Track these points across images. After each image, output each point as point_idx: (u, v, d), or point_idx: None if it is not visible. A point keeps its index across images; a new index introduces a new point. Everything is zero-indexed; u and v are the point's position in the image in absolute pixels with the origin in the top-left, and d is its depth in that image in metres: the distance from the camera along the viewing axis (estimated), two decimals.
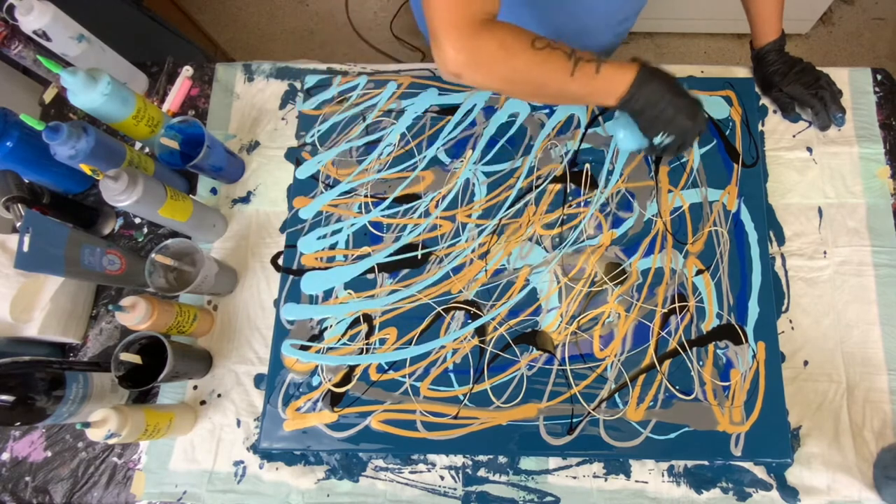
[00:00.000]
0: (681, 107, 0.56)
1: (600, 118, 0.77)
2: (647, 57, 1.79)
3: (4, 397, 0.54)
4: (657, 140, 0.58)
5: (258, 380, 0.70)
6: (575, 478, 0.65)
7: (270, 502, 0.66)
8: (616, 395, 0.65)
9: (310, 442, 0.66)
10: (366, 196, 0.75)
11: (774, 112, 0.78)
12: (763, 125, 0.78)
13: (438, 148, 0.77)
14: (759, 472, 0.64)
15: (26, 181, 0.70)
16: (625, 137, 0.62)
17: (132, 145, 0.79)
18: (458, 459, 0.66)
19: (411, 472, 0.66)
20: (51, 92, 0.84)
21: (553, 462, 0.65)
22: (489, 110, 0.78)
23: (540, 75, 0.52)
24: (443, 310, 0.69)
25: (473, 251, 0.72)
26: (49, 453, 0.69)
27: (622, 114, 0.60)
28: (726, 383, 0.65)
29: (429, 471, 0.66)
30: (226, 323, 0.73)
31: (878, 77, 0.79)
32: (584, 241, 0.72)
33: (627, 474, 0.65)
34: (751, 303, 0.68)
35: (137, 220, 0.78)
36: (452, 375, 0.67)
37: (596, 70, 0.53)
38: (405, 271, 0.72)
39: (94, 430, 0.55)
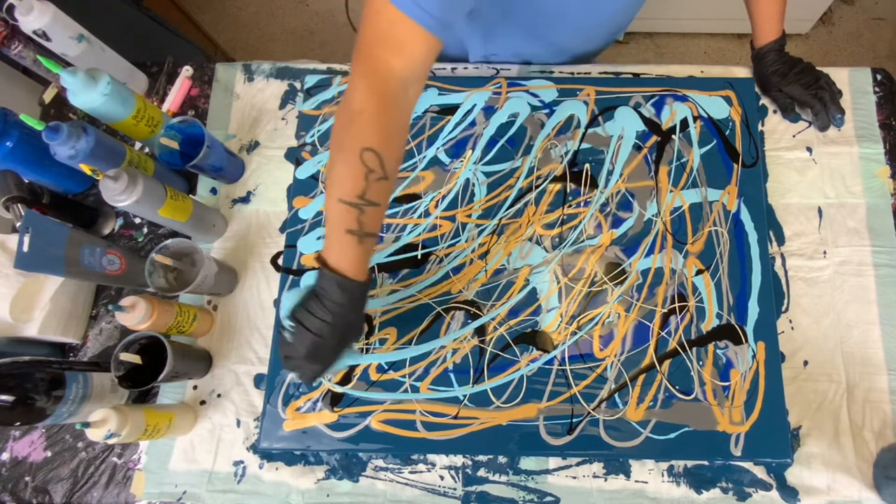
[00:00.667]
0: (328, 345, 0.50)
1: (600, 118, 0.77)
2: (646, 56, 1.79)
3: (4, 397, 0.54)
4: (287, 323, 0.50)
5: (258, 380, 0.70)
6: (575, 478, 0.65)
7: (270, 502, 0.66)
8: (616, 395, 0.65)
9: (310, 442, 0.66)
10: None
11: (774, 112, 0.78)
12: (763, 125, 0.78)
13: (438, 148, 0.77)
14: (759, 472, 0.64)
15: (26, 181, 0.70)
16: (286, 299, 0.54)
17: (132, 145, 0.79)
18: (458, 459, 0.66)
19: (411, 472, 0.66)
20: (51, 92, 0.84)
21: (553, 462, 0.65)
22: (489, 110, 0.78)
23: (331, 163, 0.49)
24: (443, 310, 0.69)
25: (473, 251, 0.72)
26: (49, 453, 0.69)
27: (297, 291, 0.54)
28: (726, 383, 0.65)
29: (429, 471, 0.66)
30: (226, 323, 0.73)
31: (878, 77, 0.79)
32: (583, 241, 0.72)
33: (627, 474, 0.65)
34: (751, 303, 0.68)
35: (137, 220, 0.78)
36: (452, 375, 0.67)
37: (348, 230, 0.48)
38: (405, 271, 0.72)
39: (94, 430, 0.55)
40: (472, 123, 0.78)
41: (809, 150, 0.76)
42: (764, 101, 0.79)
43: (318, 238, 0.74)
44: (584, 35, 0.77)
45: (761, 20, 0.73)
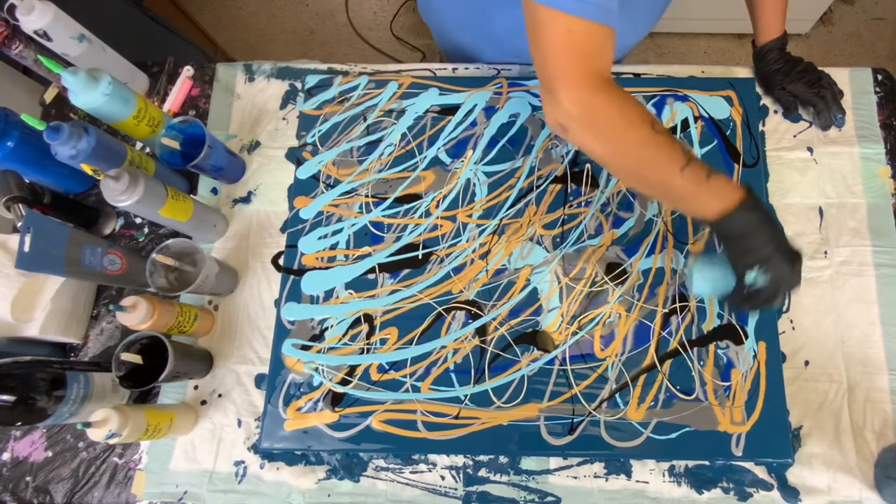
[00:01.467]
0: (782, 247, 0.51)
1: None
2: (646, 56, 1.79)
3: (5, 397, 0.54)
4: (749, 278, 0.52)
5: (259, 380, 0.70)
6: (576, 478, 0.65)
7: (271, 502, 0.66)
8: (617, 396, 0.65)
9: (310, 442, 0.66)
10: (366, 196, 0.76)
11: (775, 112, 0.78)
12: (764, 125, 0.78)
13: (439, 148, 0.77)
14: (760, 472, 0.64)
15: (27, 181, 0.70)
16: (707, 278, 0.57)
17: (133, 145, 0.79)
18: (459, 459, 0.66)
19: (412, 472, 0.66)
20: (51, 92, 0.84)
21: (554, 462, 0.65)
22: (490, 110, 0.78)
23: (650, 157, 0.50)
24: (444, 310, 0.69)
25: (474, 251, 0.72)
26: (50, 453, 0.69)
27: (703, 258, 0.57)
28: (727, 383, 0.65)
29: (429, 471, 0.66)
30: (226, 323, 0.73)
31: (879, 77, 0.79)
32: (584, 241, 0.72)
33: (628, 474, 0.65)
34: None
35: (138, 220, 0.78)
36: (453, 375, 0.67)
37: (706, 175, 0.50)
38: (406, 271, 0.72)
39: (95, 430, 0.55)
40: (473, 123, 0.78)
41: (810, 150, 0.76)
42: (765, 100, 0.79)
43: (319, 238, 0.74)
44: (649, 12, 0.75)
45: (763, 18, 0.73)
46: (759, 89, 0.78)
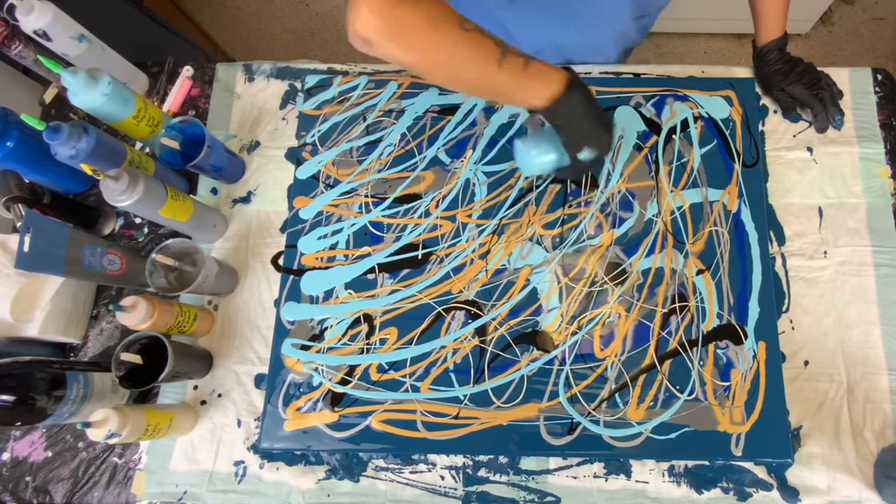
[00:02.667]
0: (603, 120, 0.54)
1: None
2: (646, 56, 1.79)
3: (5, 397, 0.54)
4: (583, 155, 0.54)
5: (259, 380, 0.70)
6: (575, 478, 0.65)
7: (271, 502, 0.66)
8: (616, 395, 0.65)
9: (310, 442, 0.66)
10: (366, 196, 0.76)
11: (775, 112, 0.78)
12: (763, 125, 0.78)
13: (439, 148, 0.77)
14: (760, 472, 0.64)
15: (27, 181, 0.70)
16: (538, 156, 0.58)
17: (133, 145, 0.79)
18: (459, 459, 0.66)
19: (412, 472, 0.66)
20: (51, 92, 0.84)
21: (553, 462, 0.65)
22: (490, 110, 0.78)
23: (465, 57, 0.48)
24: (443, 310, 0.69)
25: (474, 251, 0.72)
26: (49, 453, 0.69)
27: (532, 135, 0.57)
28: (727, 383, 0.65)
29: (429, 471, 0.66)
30: (226, 323, 0.73)
31: (879, 77, 0.79)
32: (584, 241, 0.72)
33: (628, 474, 0.65)
34: (751, 303, 0.68)
35: (138, 220, 0.78)
36: (453, 375, 0.67)
37: (524, 65, 0.49)
38: (406, 271, 0.72)
39: (95, 430, 0.55)
40: (473, 123, 0.78)
41: (810, 150, 0.76)
42: (765, 100, 0.79)
43: (319, 238, 0.74)
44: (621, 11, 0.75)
45: (764, 18, 0.73)
46: (758, 89, 0.78)
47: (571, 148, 0.54)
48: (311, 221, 0.75)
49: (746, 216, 0.71)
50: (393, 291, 0.71)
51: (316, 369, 0.68)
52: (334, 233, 0.74)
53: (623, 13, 0.75)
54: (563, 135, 0.54)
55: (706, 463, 0.64)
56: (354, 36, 0.46)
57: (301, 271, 0.73)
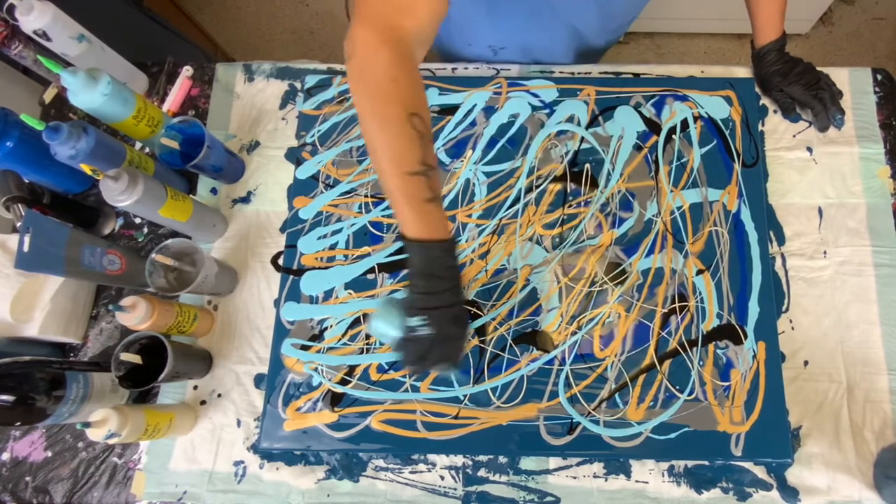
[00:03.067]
0: (454, 308, 0.49)
1: (600, 118, 0.77)
2: (646, 56, 1.78)
3: (5, 397, 0.54)
4: (413, 321, 0.49)
5: (258, 380, 0.70)
6: (575, 478, 0.65)
7: (271, 502, 0.66)
8: (616, 395, 0.65)
9: (310, 442, 0.66)
10: (366, 196, 0.75)
11: (775, 112, 0.78)
12: (763, 125, 0.78)
13: (439, 148, 0.77)
14: (760, 472, 0.64)
15: (26, 181, 0.70)
16: (382, 319, 0.52)
17: (132, 145, 0.79)
18: (459, 459, 0.66)
19: (411, 472, 0.66)
20: (51, 92, 0.84)
21: (553, 462, 0.65)
22: (489, 110, 0.78)
23: (387, 141, 0.47)
24: None
25: (474, 251, 0.72)
26: (49, 453, 0.69)
27: (386, 301, 0.53)
28: (726, 383, 0.65)
29: (429, 471, 0.66)
30: (226, 323, 0.73)
31: (879, 77, 0.79)
32: (584, 241, 0.72)
33: (628, 474, 0.65)
34: (751, 303, 0.68)
35: (138, 220, 0.78)
36: (452, 375, 0.67)
37: (426, 199, 0.47)
38: (405, 271, 0.72)
39: (95, 430, 0.55)
40: (473, 123, 0.78)
41: (810, 150, 0.76)
42: (764, 100, 0.79)
43: (319, 238, 0.74)
44: (594, 14, 0.75)
45: (762, 20, 0.73)
46: (757, 90, 0.78)
47: (407, 306, 0.50)
48: (311, 221, 0.75)
49: (746, 216, 0.71)
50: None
51: (316, 369, 0.68)
52: (334, 233, 0.74)
53: (591, 20, 0.75)
54: (409, 286, 0.50)
55: (706, 463, 0.64)
56: (345, 44, 0.47)
57: (301, 271, 0.73)
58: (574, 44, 0.80)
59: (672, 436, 0.63)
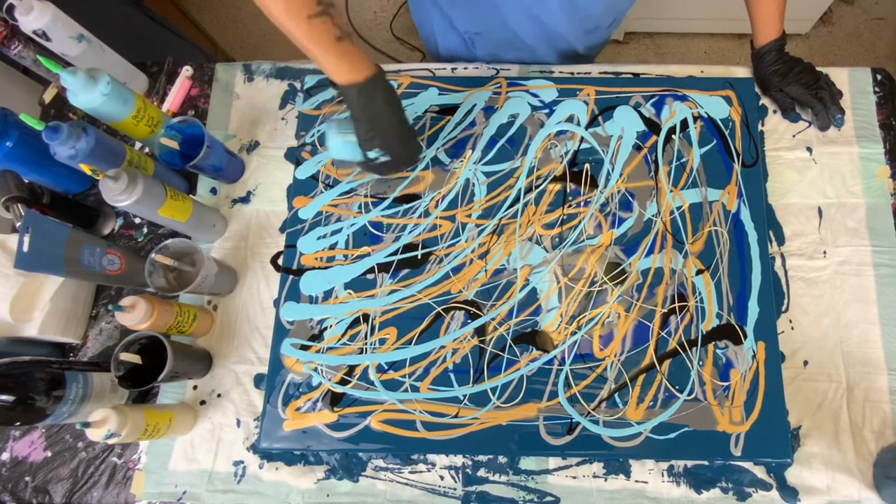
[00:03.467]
0: (399, 128, 0.53)
1: (600, 118, 0.77)
2: (646, 56, 1.78)
3: (4, 397, 0.54)
4: (371, 154, 0.54)
5: (258, 380, 0.70)
6: (575, 478, 0.65)
7: (270, 502, 0.66)
8: (616, 395, 0.65)
9: (310, 442, 0.66)
10: (365, 196, 0.75)
11: (774, 112, 0.78)
12: (763, 125, 0.78)
13: (438, 148, 0.77)
14: (759, 471, 0.64)
15: (26, 181, 0.70)
16: (340, 145, 0.58)
17: (132, 145, 0.79)
18: (458, 459, 0.66)
19: (411, 472, 0.66)
20: (51, 92, 0.84)
21: (553, 462, 0.65)
22: (489, 110, 0.78)
23: (293, 7, 0.46)
24: (443, 310, 0.69)
25: (473, 251, 0.72)
26: (49, 453, 0.69)
27: (340, 121, 0.56)
28: (726, 383, 0.65)
29: (429, 471, 0.66)
30: (226, 323, 0.73)
31: (878, 77, 0.79)
32: (583, 241, 0.72)
33: (627, 474, 0.65)
34: (751, 303, 0.68)
35: (137, 220, 0.78)
36: (452, 375, 0.67)
37: (336, 37, 0.47)
38: (405, 271, 0.72)
39: (94, 430, 0.55)
40: (472, 123, 0.78)
41: (809, 149, 0.76)
42: (764, 100, 0.79)
43: (319, 238, 0.74)
44: (567, 29, 0.75)
45: (761, 20, 0.73)
46: (757, 90, 0.78)
47: (361, 142, 0.54)
48: (311, 221, 0.75)
49: (746, 216, 0.71)
50: (392, 291, 0.71)
51: (315, 369, 0.68)
52: (333, 233, 0.74)
53: (557, 16, 0.74)
54: (356, 126, 0.54)
55: (705, 463, 0.64)
56: None
57: (300, 271, 0.73)
58: (550, 42, 0.79)
59: (672, 436, 0.63)
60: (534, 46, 0.80)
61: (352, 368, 0.68)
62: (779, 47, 0.73)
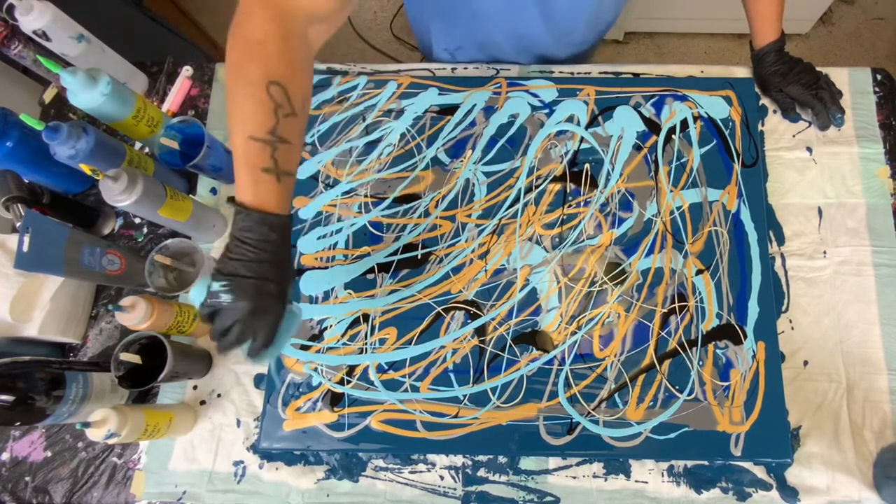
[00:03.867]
0: (259, 283, 0.45)
1: (600, 118, 0.77)
2: (646, 56, 1.78)
3: (4, 397, 0.54)
4: (214, 286, 0.45)
5: (258, 380, 0.70)
6: (575, 478, 0.65)
7: (270, 502, 0.66)
8: (616, 395, 0.65)
9: (310, 442, 0.66)
10: (366, 196, 0.75)
11: (774, 112, 0.78)
12: (763, 125, 0.78)
13: (438, 148, 0.77)
14: (759, 471, 0.64)
15: (26, 181, 0.70)
16: (198, 285, 0.52)
17: (132, 145, 0.79)
18: (458, 459, 0.66)
19: (411, 472, 0.66)
20: (51, 92, 0.84)
21: (553, 462, 0.65)
22: (489, 110, 0.78)
23: (240, 104, 0.45)
24: (442, 310, 0.69)
25: (473, 251, 0.72)
26: (49, 453, 0.69)
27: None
28: (726, 383, 0.65)
29: (428, 471, 0.66)
30: None
31: (878, 77, 0.79)
32: (583, 241, 0.72)
33: (627, 474, 0.65)
34: (750, 303, 0.68)
35: (137, 220, 0.78)
36: (452, 375, 0.67)
37: (263, 168, 0.45)
38: (405, 271, 0.72)
39: (94, 429, 0.55)
40: (472, 123, 0.78)
41: (809, 149, 0.76)
42: (764, 100, 0.79)
43: (318, 238, 0.74)
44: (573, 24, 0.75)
45: (759, 22, 0.73)
46: (757, 90, 0.78)
47: (213, 268, 0.47)
48: (311, 221, 0.75)
49: (746, 216, 0.71)
50: (392, 291, 0.71)
51: (315, 369, 0.68)
52: (334, 233, 0.74)
53: (539, 31, 0.74)
54: (229, 255, 0.46)
55: (705, 463, 0.64)
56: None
57: (300, 271, 0.73)
58: (533, 55, 0.80)
59: (672, 436, 0.63)
60: (517, 60, 0.81)
61: (352, 368, 0.68)
62: (778, 48, 0.73)
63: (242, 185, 0.46)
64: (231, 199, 0.46)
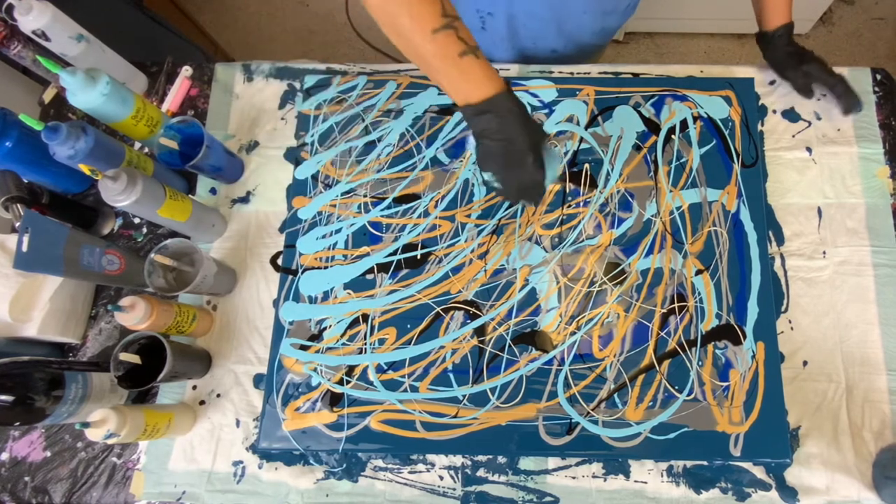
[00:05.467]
0: (518, 155, 0.48)
1: (599, 118, 0.77)
2: (646, 56, 1.78)
3: (4, 397, 0.54)
4: (485, 176, 0.51)
5: (257, 380, 0.70)
6: (574, 478, 0.65)
7: (269, 502, 0.66)
8: (615, 396, 0.65)
9: (309, 442, 0.66)
10: (365, 196, 0.75)
11: (774, 112, 0.78)
12: (763, 125, 0.77)
13: (438, 148, 0.77)
14: (759, 472, 0.64)
15: (25, 181, 0.70)
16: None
17: (131, 145, 0.79)
18: (458, 459, 0.66)
19: (410, 473, 0.66)
20: (50, 92, 0.84)
21: (552, 462, 0.65)
22: None
23: (404, 4, 0.44)
24: (442, 310, 0.69)
25: (473, 251, 0.72)
26: (48, 453, 0.69)
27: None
28: (725, 383, 0.65)
29: (428, 471, 0.66)
30: (225, 323, 0.73)
31: (878, 77, 0.79)
32: (583, 241, 0.72)
33: (627, 474, 0.65)
34: (750, 303, 0.68)
35: (137, 220, 0.78)
36: (452, 375, 0.67)
37: (460, 52, 0.45)
38: (404, 271, 0.72)
39: (94, 430, 0.55)
40: None
41: (809, 150, 0.76)
42: (764, 100, 0.78)
43: (318, 238, 0.74)
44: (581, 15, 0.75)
45: (772, 4, 0.72)
46: (764, 76, 0.77)
47: (479, 165, 0.51)
48: (310, 221, 0.75)
49: (745, 216, 0.71)
50: (392, 291, 0.71)
51: (315, 369, 0.68)
52: (333, 233, 0.74)
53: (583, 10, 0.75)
54: (477, 149, 0.51)
55: (705, 463, 0.64)
56: None
57: (300, 271, 0.73)
58: (561, 24, 0.79)
59: (671, 436, 0.63)
60: (537, 42, 0.80)
61: (351, 368, 0.68)
62: (791, 31, 0.73)
63: (455, 86, 0.47)
64: (457, 105, 0.49)
